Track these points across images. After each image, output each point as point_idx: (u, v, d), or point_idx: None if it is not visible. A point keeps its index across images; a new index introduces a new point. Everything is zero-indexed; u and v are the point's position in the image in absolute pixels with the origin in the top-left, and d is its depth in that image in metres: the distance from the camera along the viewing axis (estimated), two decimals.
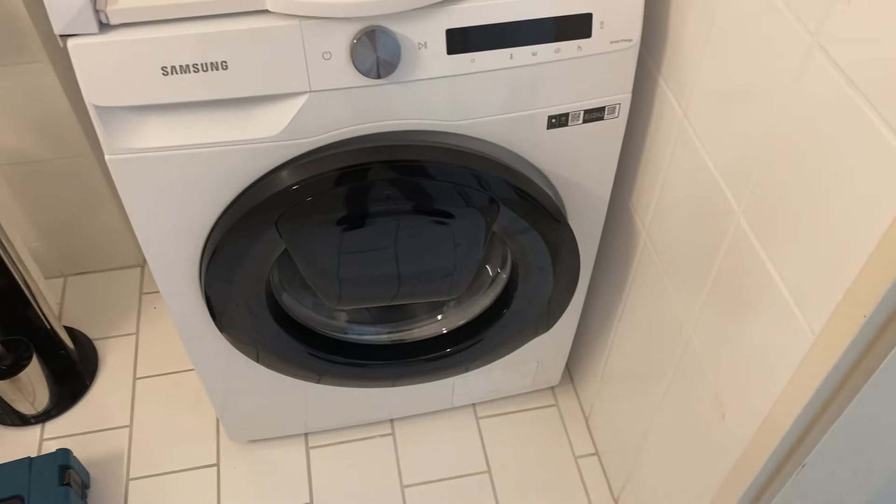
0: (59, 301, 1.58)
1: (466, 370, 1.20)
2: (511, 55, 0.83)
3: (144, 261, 1.65)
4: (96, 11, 0.73)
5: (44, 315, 1.37)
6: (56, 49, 1.26)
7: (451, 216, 0.93)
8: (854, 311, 0.62)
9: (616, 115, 0.92)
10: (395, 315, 1.17)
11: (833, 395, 0.67)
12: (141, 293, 1.60)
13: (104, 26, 0.75)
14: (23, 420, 1.41)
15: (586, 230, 1.06)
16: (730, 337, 0.84)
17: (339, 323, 1.15)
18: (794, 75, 0.66)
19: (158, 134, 0.82)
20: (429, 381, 1.22)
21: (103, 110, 0.79)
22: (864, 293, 0.60)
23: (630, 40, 0.85)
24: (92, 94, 0.78)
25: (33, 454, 1.27)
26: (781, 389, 0.73)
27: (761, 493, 0.82)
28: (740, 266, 0.80)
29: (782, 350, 0.73)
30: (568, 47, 0.84)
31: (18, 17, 1.17)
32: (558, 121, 0.90)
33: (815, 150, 0.65)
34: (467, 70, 0.83)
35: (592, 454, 1.38)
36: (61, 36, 0.74)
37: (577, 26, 0.83)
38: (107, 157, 0.83)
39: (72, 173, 1.42)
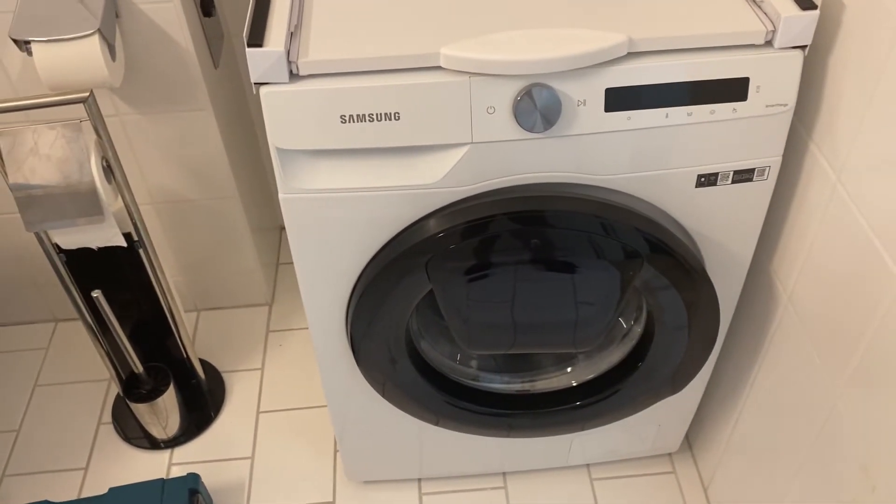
0: (192, 333, 1.67)
1: (589, 427, 1.20)
2: (667, 115, 0.85)
3: (273, 300, 1.73)
4: (289, 62, 0.80)
5: (183, 345, 1.46)
6: (217, 98, 1.37)
7: (593, 269, 0.95)
8: None
9: (765, 177, 0.93)
10: (523, 365, 1.19)
11: None
12: (268, 331, 1.67)
13: (293, 76, 0.82)
14: (153, 444, 1.48)
15: (725, 291, 1.05)
16: (882, 406, 0.81)
17: (470, 370, 1.18)
18: None
19: (329, 176, 0.88)
20: (551, 435, 1.22)
21: (284, 153, 0.86)
22: None
23: (785, 105, 0.86)
24: (276, 137, 0.84)
25: (162, 477, 1.33)
26: None
27: None
28: (892, 331, 0.78)
29: None
30: (723, 109, 0.86)
31: (191, 68, 1.28)
32: (707, 180, 0.92)
33: None
34: (623, 127, 0.86)
35: None
36: (255, 84, 0.82)
37: (733, 89, 0.85)
38: (281, 195, 0.89)
39: (216, 214, 1.52)
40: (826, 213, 0.90)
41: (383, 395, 1.14)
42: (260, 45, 0.79)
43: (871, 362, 0.83)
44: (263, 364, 1.61)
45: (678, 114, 0.85)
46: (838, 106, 0.86)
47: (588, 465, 1.42)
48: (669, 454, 1.43)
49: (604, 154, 0.88)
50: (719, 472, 1.32)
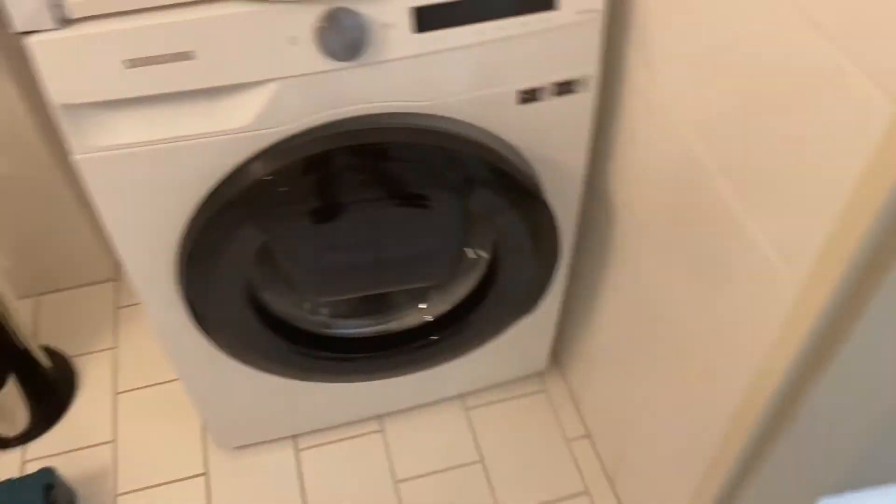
0: (32, 320, 1.55)
1: (452, 358, 1.19)
2: (478, 31, 0.83)
3: (117, 275, 1.62)
4: (56, 6, 0.72)
5: (17, 335, 1.34)
6: (12, 57, 1.24)
7: (427, 199, 0.92)
8: (837, 255, 0.62)
9: (587, 87, 0.92)
10: (378, 306, 1.16)
11: (823, 339, 0.67)
12: (116, 307, 1.57)
13: (64, 21, 0.73)
14: (2, 443, 1.37)
15: (564, 207, 1.06)
16: (713, 299, 0.84)
17: (322, 318, 1.14)
18: (766, 33, 0.66)
19: (126, 129, 0.80)
20: (416, 372, 1.21)
21: (69, 108, 0.77)
22: (845, 238, 0.61)
23: (596, 10, 0.85)
24: (56, 93, 0.76)
25: (11, 477, 1.24)
26: (771, 341, 0.74)
27: (757, 452, 0.82)
28: (716, 227, 0.80)
29: (767, 304, 0.73)
30: (535, 20, 0.84)
31: None
32: (530, 96, 0.90)
33: (787, 102, 0.65)
34: (435, 48, 0.83)
35: (584, 436, 1.37)
36: (20, 33, 0.72)
37: None
38: (75, 156, 0.81)
39: (36, 188, 1.39)
40: (648, 119, 0.91)
41: (238, 360, 1.08)
42: None
43: (699, 259, 0.86)
44: (116, 342, 1.51)
45: (490, 29, 0.83)
46: (647, 9, 0.86)
47: (462, 396, 1.43)
48: (540, 374, 1.46)
49: (420, 79, 0.85)
50: (587, 383, 1.36)
